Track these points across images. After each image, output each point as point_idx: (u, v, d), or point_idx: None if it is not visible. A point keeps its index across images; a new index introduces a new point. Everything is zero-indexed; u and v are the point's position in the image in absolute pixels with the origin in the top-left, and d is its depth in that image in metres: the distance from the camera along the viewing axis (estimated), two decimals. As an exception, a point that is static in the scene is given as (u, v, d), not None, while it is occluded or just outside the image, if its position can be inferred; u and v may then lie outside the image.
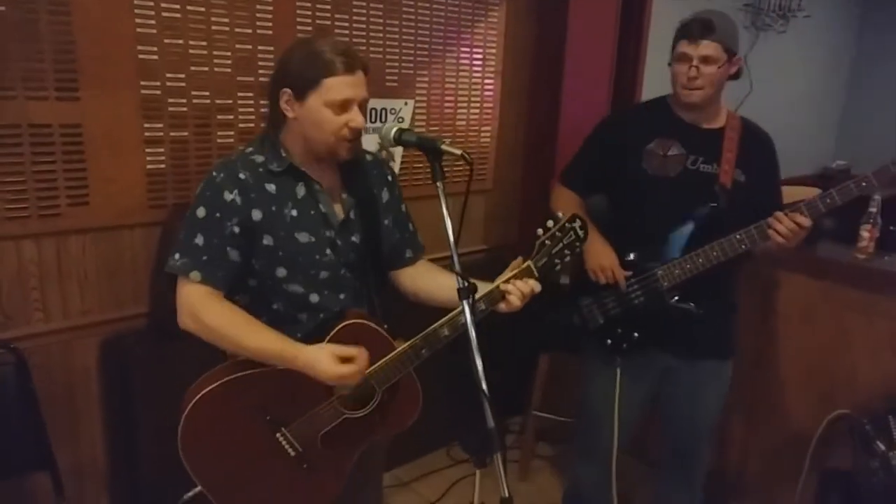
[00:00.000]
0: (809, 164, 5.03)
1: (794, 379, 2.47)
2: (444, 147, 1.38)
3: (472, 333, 1.32)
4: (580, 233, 1.48)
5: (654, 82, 3.52)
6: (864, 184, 1.66)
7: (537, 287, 1.47)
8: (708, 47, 1.79)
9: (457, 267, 1.36)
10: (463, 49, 2.83)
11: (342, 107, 1.40)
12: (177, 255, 1.43)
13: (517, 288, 1.45)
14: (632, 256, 1.90)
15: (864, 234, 2.32)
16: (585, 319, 1.99)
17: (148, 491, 2.09)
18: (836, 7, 4.89)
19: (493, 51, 2.94)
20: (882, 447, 1.88)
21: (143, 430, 2.06)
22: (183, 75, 2.09)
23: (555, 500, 2.46)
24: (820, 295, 2.40)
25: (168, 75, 2.06)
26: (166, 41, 2.04)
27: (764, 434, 2.59)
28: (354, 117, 1.42)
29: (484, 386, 1.31)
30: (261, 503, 1.53)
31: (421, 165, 2.75)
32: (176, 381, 1.52)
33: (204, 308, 1.42)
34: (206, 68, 2.13)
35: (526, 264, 1.48)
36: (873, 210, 2.30)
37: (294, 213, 1.46)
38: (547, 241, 1.47)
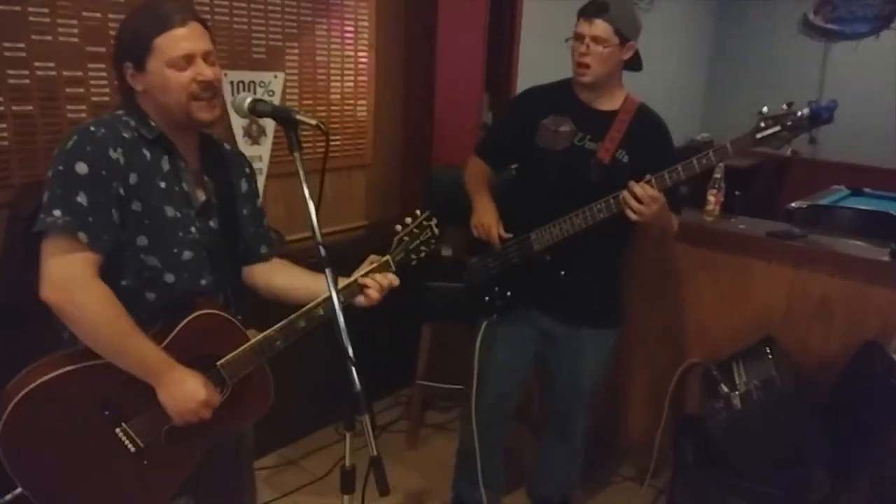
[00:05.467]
0: (677, 137, 5.34)
1: (653, 334, 2.66)
2: (298, 117, 1.37)
3: (336, 302, 1.33)
4: (435, 230, 1.54)
5: (529, 59, 3.62)
6: (704, 161, 1.76)
7: (395, 281, 1.52)
8: (598, 27, 1.86)
9: (318, 237, 1.36)
10: (333, 21, 2.78)
11: (185, 63, 1.34)
12: (57, 213, 1.27)
13: (376, 281, 1.49)
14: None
15: (711, 198, 2.52)
16: (471, 277, 2.12)
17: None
18: (696, -13, 5.20)
19: (366, 24, 2.91)
20: (725, 389, 2.06)
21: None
22: (23, 45, 1.94)
23: (443, 465, 2.53)
24: (673, 255, 2.58)
25: (5, 45, 1.91)
26: (1, 8, 1.88)
27: (630, 387, 2.78)
28: (201, 70, 1.36)
29: (350, 351, 1.32)
30: (92, 503, 1.44)
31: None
32: (17, 372, 1.38)
33: (84, 284, 1.29)
34: (50, 37, 1.99)
35: (384, 259, 1.52)
36: (718, 176, 2.49)
37: (163, 184, 1.40)
38: (405, 237, 1.53)
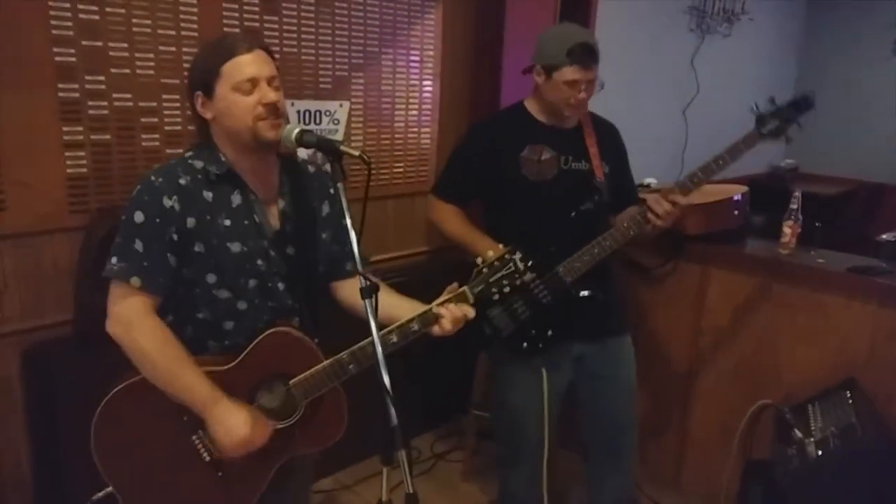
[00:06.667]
0: (759, 162, 5.14)
1: (724, 373, 2.52)
2: (342, 148, 1.38)
3: (375, 332, 1.33)
4: (520, 265, 1.49)
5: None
6: (720, 162, 1.86)
7: (471, 313, 1.50)
8: (595, 71, 1.93)
9: (359, 266, 1.37)
10: (399, 51, 2.83)
11: (249, 86, 1.39)
12: (114, 259, 1.40)
13: (450, 312, 1.48)
14: (529, 262, 1.92)
15: (787, 230, 2.38)
16: (497, 329, 2.01)
17: (72, 499, 2.05)
18: (779, 9, 5.00)
19: (431, 53, 2.95)
20: (799, 434, 1.92)
21: (67, 439, 2.02)
22: (103, 78, 2.06)
23: (495, 497, 2.45)
24: (747, 290, 2.45)
25: (87, 78, 2.04)
26: (84, 43, 2.01)
27: (697, 427, 2.64)
28: (265, 94, 1.40)
29: (387, 384, 1.31)
30: None
31: (359, 168, 2.74)
32: (99, 389, 1.48)
33: (139, 323, 1.39)
34: (128, 70, 2.11)
35: (462, 290, 1.50)
36: (794, 207, 2.35)
37: (227, 222, 1.45)
38: (485, 269, 1.49)
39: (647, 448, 2.69)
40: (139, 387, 1.41)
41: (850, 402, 1.96)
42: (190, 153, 1.47)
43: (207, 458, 1.47)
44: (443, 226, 2.13)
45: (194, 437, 1.46)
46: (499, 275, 1.49)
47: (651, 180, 2.93)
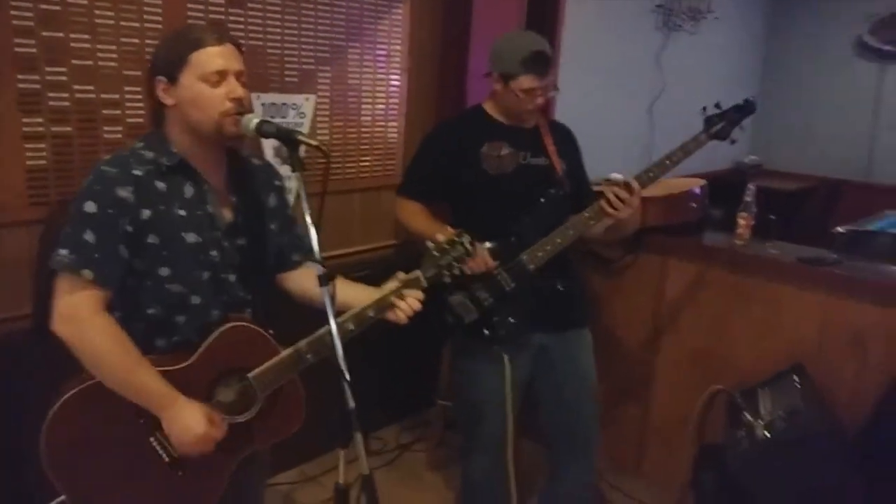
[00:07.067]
0: (723, 159, 5.23)
1: (681, 361, 2.59)
2: (300, 137, 1.40)
3: (332, 320, 1.36)
4: (468, 247, 1.54)
5: (566, 84, 3.63)
6: (673, 159, 1.97)
7: (421, 296, 1.53)
8: (550, 77, 2.00)
9: (317, 255, 1.38)
10: (366, 45, 2.86)
11: (217, 79, 1.39)
12: (64, 251, 1.33)
13: (406, 301, 1.51)
14: (488, 245, 1.96)
15: (741, 221, 2.45)
16: (459, 316, 2.03)
17: (32, 495, 2.04)
18: (744, 8, 5.10)
19: (398, 47, 2.97)
20: (749, 417, 1.98)
21: (27, 435, 2.00)
22: (64, 69, 2.06)
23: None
24: (704, 280, 2.52)
25: (48, 69, 2.03)
26: (45, 34, 2.00)
27: (657, 414, 2.71)
28: (234, 88, 1.40)
29: (344, 368, 1.34)
30: None
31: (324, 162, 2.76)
32: (60, 383, 1.44)
33: (91, 320, 1.34)
34: (90, 62, 2.11)
35: (415, 275, 1.53)
36: (748, 199, 2.43)
37: (182, 212, 1.43)
38: (436, 253, 1.53)
39: (609, 436, 2.74)
40: (91, 392, 1.36)
41: (798, 386, 2.04)
42: (140, 144, 1.45)
43: (166, 459, 1.44)
44: (409, 222, 2.17)
45: (152, 439, 1.43)
46: (449, 258, 1.52)
47: (617, 176, 2.98)
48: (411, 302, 1.52)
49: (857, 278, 2.21)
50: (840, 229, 3.25)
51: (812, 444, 1.90)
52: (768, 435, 1.92)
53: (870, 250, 2.37)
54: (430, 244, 1.55)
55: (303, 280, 1.66)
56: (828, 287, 2.24)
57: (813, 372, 2.15)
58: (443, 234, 1.56)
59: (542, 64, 1.96)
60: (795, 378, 2.09)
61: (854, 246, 2.45)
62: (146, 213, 1.39)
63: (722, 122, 1.98)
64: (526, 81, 1.95)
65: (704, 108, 2.02)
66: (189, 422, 1.39)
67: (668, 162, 1.96)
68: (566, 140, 2.18)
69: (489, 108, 2.12)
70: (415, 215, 2.15)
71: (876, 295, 2.14)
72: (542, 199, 2.03)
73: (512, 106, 2.03)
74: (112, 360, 1.36)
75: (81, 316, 1.34)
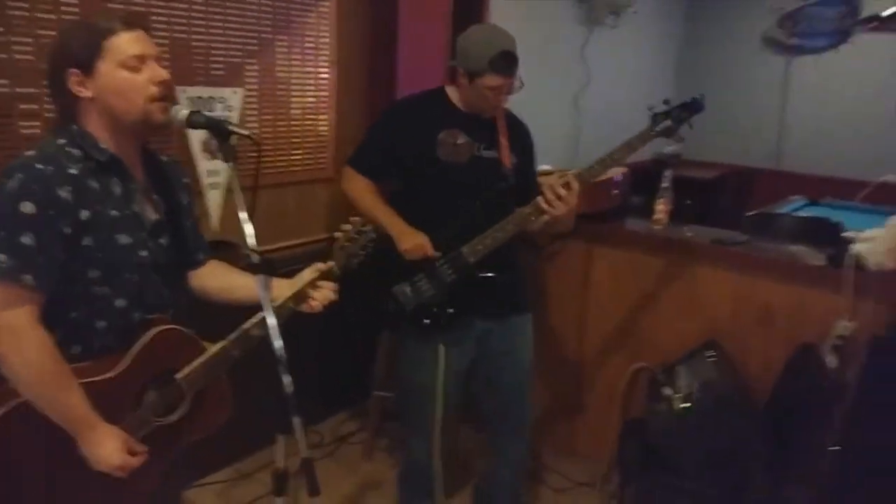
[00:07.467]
0: (645, 149, 5.45)
1: (607, 340, 2.72)
2: (231, 128, 1.41)
3: (268, 310, 1.38)
4: (372, 235, 1.60)
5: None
6: (616, 155, 1.98)
7: (335, 288, 1.57)
8: (514, 76, 2.01)
9: (252, 243, 1.40)
10: (294, 37, 2.85)
11: (137, 63, 1.35)
12: (1, 257, 1.25)
13: (321, 293, 1.54)
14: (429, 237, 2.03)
15: (660, 206, 2.59)
16: (400, 304, 2.08)
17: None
18: (662, 3, 5.31)
19: (326, 40, 2.98)
20: (668, 391, 2.11)
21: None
22: (-24, 62, 1.99)
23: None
24: (626, 263, 2.65)
25: (-41, 62, 1.96)
26: (-47, 25, 1.93)
27: (588, 394, 2.83)
28: (157, 71, 1.36)
29: (280, 355, 1.36)
30: None
31: (255, 154, 2.74)
32: None
33: (27, 334, 1.27)
34: (4, 55, 2.04)
35: (329, 266, 1.57)
36: (665, 185, 2.57)
37: (115, 212, 1.39)
38: (346, 244, 1.58)
39: (545, 419, 2.86)
40: (17, 413, 1.31)
41: (712, 360, 2.18)
42: (62, 141, 1.36)
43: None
44: (355, 198, 2.19)
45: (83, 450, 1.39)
46: (356, 246, 1.58)
47: (547, 167, 3.09)
48: (326, 293, 1.55)
49: (765, 258, 2.37)
50: (750, 213, 3.47)
51: (724, 409, 2.04)
52: (686, 405, 2.04)
53: (777, 232, 2.54)
54: (337, 234, 1.59)
55: (204, 278, 1.66)
56: (739, 266, 2.40)
57: (727, 345, 2.31)
58: (352, 223, 1.59)
59: (510, 64, 1.98)
60: (711, 353, 2.23)
61: (762, 228, 2.61)
62: (84, 214, 1.33)
63: (668, 120, 2.00)
64: (492, 80, 1.98)
65: (651, 106, 2.03)
66: (104, 452, 1.35)
67: (610, 159, 1.98)
68: (521, 135, 2.21)
69: (451, 93, 2.13)
70: (362, 192, 2.18)
71: (782, 273, 2.31)
72: (487, 192, 2.05)
73: (476, 101, 2.06)
74: (43, 378, 1.30)
75: (20, 328, 1.27)
